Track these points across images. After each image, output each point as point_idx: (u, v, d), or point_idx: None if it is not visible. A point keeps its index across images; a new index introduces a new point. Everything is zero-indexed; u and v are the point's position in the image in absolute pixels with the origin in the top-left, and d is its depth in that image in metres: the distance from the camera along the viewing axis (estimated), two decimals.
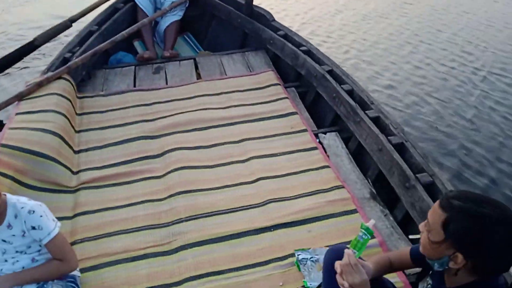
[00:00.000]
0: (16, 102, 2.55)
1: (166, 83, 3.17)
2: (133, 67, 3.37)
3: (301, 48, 3.22)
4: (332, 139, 2.63)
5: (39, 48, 3.64)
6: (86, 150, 2.50)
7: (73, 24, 3.57)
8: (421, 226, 1.18)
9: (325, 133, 2.69)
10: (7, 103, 2.57)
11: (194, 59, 3.50)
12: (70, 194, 2.20)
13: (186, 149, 2.48)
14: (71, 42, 3.22)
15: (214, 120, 2.73)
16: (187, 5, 3.86)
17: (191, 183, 2.25)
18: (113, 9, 3.72)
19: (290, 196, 2.18)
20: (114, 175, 2.32)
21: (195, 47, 3.95)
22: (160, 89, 3.06)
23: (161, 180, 2.30)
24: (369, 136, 2.40)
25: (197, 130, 2.65)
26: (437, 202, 1.13)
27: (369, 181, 2.33)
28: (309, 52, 3.19)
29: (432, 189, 1.97)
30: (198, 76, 3.30)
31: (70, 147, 2.44)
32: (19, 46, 3.61)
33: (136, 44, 3.76)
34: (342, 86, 2.77)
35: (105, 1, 3.75)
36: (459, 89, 4.39)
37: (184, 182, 2.25)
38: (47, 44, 3.78)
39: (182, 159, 2.40)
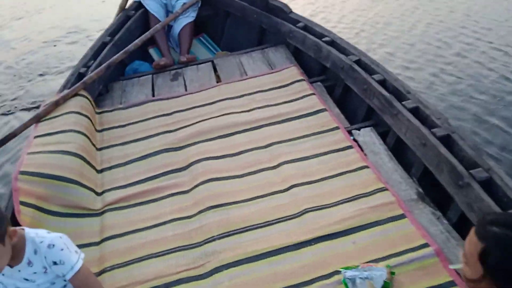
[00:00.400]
0: (34, 124, 2.47)
1: (186, 90, 3.03)
2: (150, 75, 3.24)
3: (323, 39, 3.01)
4: (367, 135, 2.42)
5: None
6: (110, 168, 2.39)
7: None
8: (462, 255, 0.97)
9: (359, 129, 2.49)
10: (25, 126, 2.50)
11: (212, 61, 3.35)
12: (96, 218, 2.09)
13: (211, 159, 2.34)
14: (85, 56, 3.13)
15: (238, 125, 2.57)
16: (199, 5, 3.70)
17: (221, 196, 2.10)
18: (125, 17, 3.61)
19: (328, 204, 2.00)
20: (140, 193, 2.20)
21: (212, 49, 3.80)
22: (179, 96, 2.92)
23: (189, 195, 2.16)
24: (409, 130, 2.19)
25: (221, 138, 2.49)
26: (473, 228, 0.92)
27: (415, 180, 2.11)
28: (332, 43, 2.98)
29: (490, 186, 1.75)
30: (218, 79, 3.14)
31: (93, 166, 2.34)
32: None
33: (151, 51, 3.64)
34: (372, 76, 2.55)
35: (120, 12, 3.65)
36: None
37: (213, 196, 2.11)
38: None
39: (208, 170, 2.26)
